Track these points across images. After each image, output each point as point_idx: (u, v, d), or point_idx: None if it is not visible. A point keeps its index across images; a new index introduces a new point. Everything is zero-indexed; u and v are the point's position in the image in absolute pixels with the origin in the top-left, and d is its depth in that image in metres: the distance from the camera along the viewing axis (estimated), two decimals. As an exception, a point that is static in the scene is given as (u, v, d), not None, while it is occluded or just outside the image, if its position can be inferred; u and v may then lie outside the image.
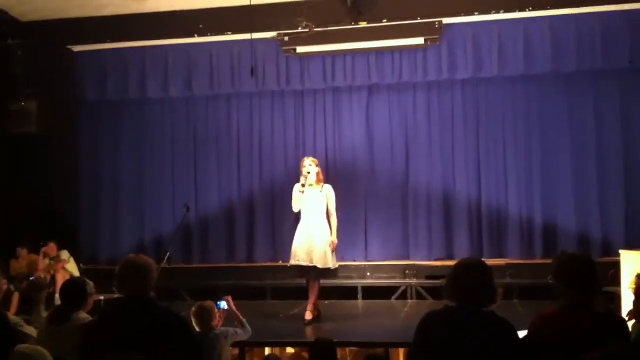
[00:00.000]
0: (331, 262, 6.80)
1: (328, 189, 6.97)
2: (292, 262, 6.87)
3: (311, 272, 6.80)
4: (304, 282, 7.11)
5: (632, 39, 8.35)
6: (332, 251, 6.81)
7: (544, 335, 3.05)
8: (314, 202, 6.87)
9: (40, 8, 8.79)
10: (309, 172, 6.86)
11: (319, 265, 6.71)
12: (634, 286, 2.79)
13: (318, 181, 6.97)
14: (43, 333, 4.11)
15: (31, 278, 7.32)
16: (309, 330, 6.58)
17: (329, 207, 6.91)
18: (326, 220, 6.88)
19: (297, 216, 7.04)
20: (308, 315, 6.83)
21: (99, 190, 9.90)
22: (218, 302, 4.98)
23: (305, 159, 7.07)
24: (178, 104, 9.86)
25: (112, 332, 3.09)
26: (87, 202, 9.91)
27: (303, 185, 6.82)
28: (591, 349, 2.40)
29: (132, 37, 9.29)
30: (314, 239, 6.76)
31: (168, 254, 7.06)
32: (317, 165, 7.01)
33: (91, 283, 4.19)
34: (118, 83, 9.59)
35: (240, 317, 5.04)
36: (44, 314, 4.72)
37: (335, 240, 6.84)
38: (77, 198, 9.85)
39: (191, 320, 4.59)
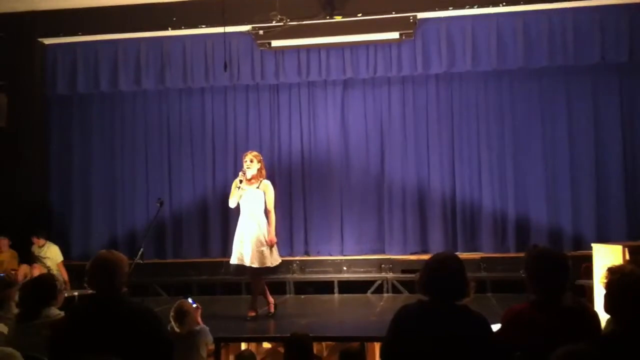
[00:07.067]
0: (269, 261, 6.66)
1: (266, 186, 6.76)
2: (231, 260, 6.79)
3: (248, 271, 6.75)
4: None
5: (604, 36, 8.45)
6: (270, 248, 6.65)
7: (515, 329, 3.06)
8: (251, 199, 6.69)
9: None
10: (248, 168, 6.68)
11: (255, 265, 6.60)
12: (605, 280, 2.80)
13: (258, 177, 6.76)
14: (13, 330, 4.05)
15: (1, 275, 7.19)
16: (285, 325, 6.55)
17: (267, 204, 6.73)
18: (264, 218, 6.71)
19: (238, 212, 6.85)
20: (251, 313, 6.74)
21: (70, 185, 9.77)
22: (186, 297, 4.98)
23: (246, 154, 6.85)
24: (151, 98, 9.76)
25: (82, 329, 3.05)
26: (58, 197, 9.78)
27: (241, 182, 6.64)
28: (561, 344, 2.40)
29: (104, 30, 9.17)
30: (249, 238, 6.61)
31: (141, 249, 6.98)
32: (259, 161, 6.78)
33: (61, 279, 4.13)
34: (90, 76, 9.47)
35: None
36: (15, 311, 4.63)
37: (274, 239, 6.69)
38: (48, 193, 9.71)
39: (170, 322, 4.59)
